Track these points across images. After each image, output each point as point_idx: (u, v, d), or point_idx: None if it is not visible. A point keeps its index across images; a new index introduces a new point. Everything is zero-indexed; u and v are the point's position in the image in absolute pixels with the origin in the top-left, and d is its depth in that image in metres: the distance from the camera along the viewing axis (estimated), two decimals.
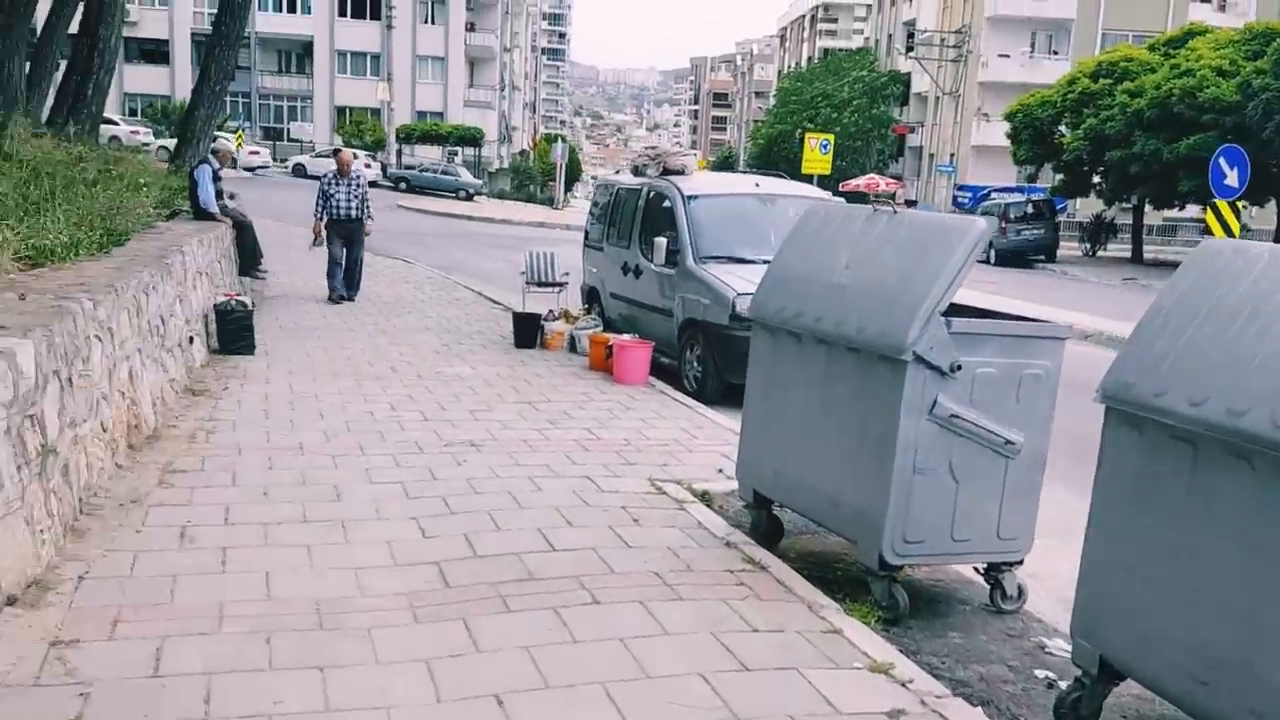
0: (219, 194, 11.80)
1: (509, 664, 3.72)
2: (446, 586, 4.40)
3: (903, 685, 3.80)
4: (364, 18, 59.47)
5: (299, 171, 45.71)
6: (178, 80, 56.31)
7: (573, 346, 10.90)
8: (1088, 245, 38.13)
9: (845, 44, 76.07)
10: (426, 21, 60.96)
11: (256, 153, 47.18)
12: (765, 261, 9.71)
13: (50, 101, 14.85)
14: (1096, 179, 35.28)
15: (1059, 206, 38.84)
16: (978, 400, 4.59)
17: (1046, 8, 51.07)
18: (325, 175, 13.70)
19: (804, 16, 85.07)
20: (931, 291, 4.47)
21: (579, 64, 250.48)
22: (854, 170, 54.39)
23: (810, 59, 79.20)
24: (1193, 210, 35.60)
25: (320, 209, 13.15)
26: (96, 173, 10.63)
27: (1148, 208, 35.49)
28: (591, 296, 12.36)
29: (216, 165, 12.00)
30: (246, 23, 16.82)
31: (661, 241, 9.96)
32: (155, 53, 58.97)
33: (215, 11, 16.10)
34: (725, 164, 79.69)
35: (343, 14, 60.40)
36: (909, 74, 60.10)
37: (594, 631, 4.03)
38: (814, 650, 4.05)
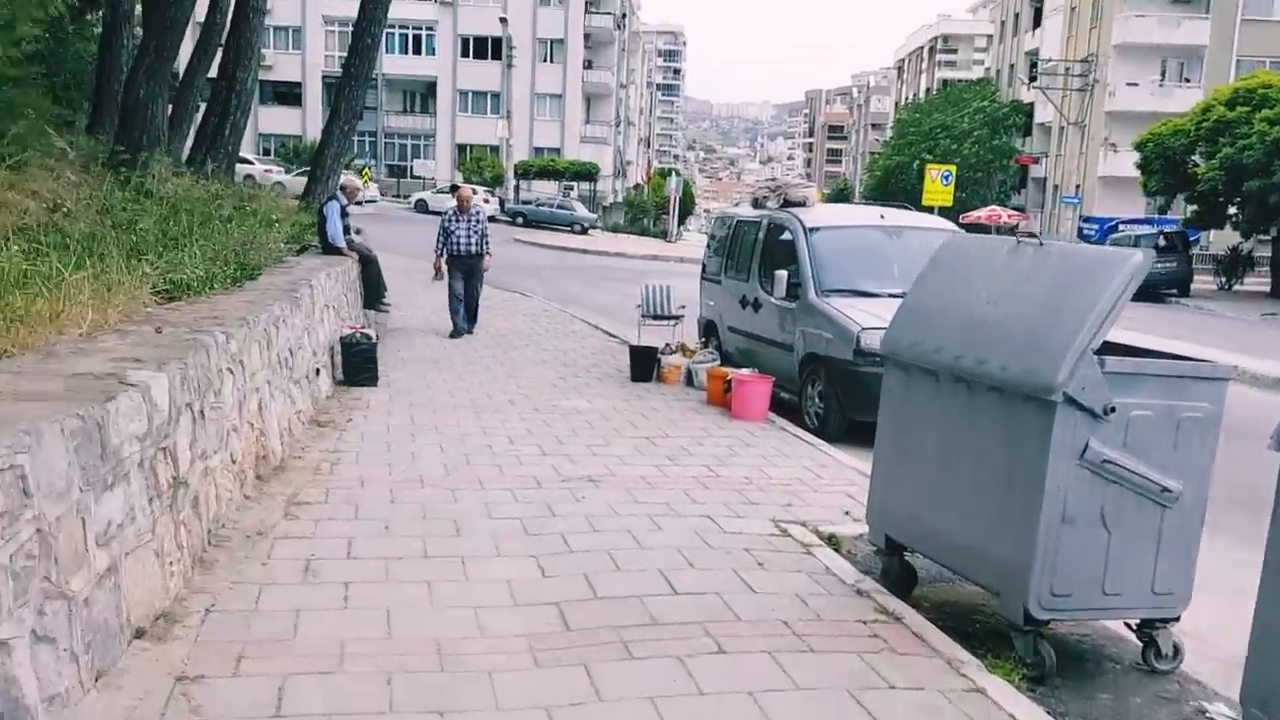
0: (346, 229, 12.09)
1: (632, 716, 3.56)
2: (567, 629, 4.27)
3: None
4: (485, 58, 61.06)
5: (420, 207, 46.97)
6: (309, 120, 58.70)
7: (690, 380, 10.76)
8: (1223, 279, 36.32)
9: (965, 75, 74.67)
10: (545, 60, 62.27)
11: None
12: (891, 295, 9.53)
13: (190, 141, 15.49)
14: (1233, 210, 33.65)
15: (1192, 238, 37.16)
16: (1132, 444, 4.27)
17: (1177, 34, 49.24)
18: (446, 212, 13.96)
19: (922, 48, 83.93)
20: (1084, 328, 4.19)
21: (693, 99, 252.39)
22: (974, 202, 53.12)
23: (929, 90, 78.00)
24: None
25: (441, 245, 13.45)
26: (232, 209, 10.99)
27: None
28: (709, 330, 12.22)
29: (344, 201, 12.31)
30: (374, 65, 17.32)
31: (782, 274, 9.77)
32: (288, 95, 61.66)
33: (345, 55, 16.63)
34: (840, 196, 78.88)
35: (465, 55, 62.18)
36: (1031, 104, 58.61)
37: (721, 683, 3.84)
38: (956, 711, 3.78)
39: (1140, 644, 4.64)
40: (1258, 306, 28.67)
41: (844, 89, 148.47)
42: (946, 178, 29.02)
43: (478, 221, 13.55)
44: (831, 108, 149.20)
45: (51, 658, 3.06)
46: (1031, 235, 4.76)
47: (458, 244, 13.37)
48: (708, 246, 13.04)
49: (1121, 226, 40.16)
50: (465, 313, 13.72)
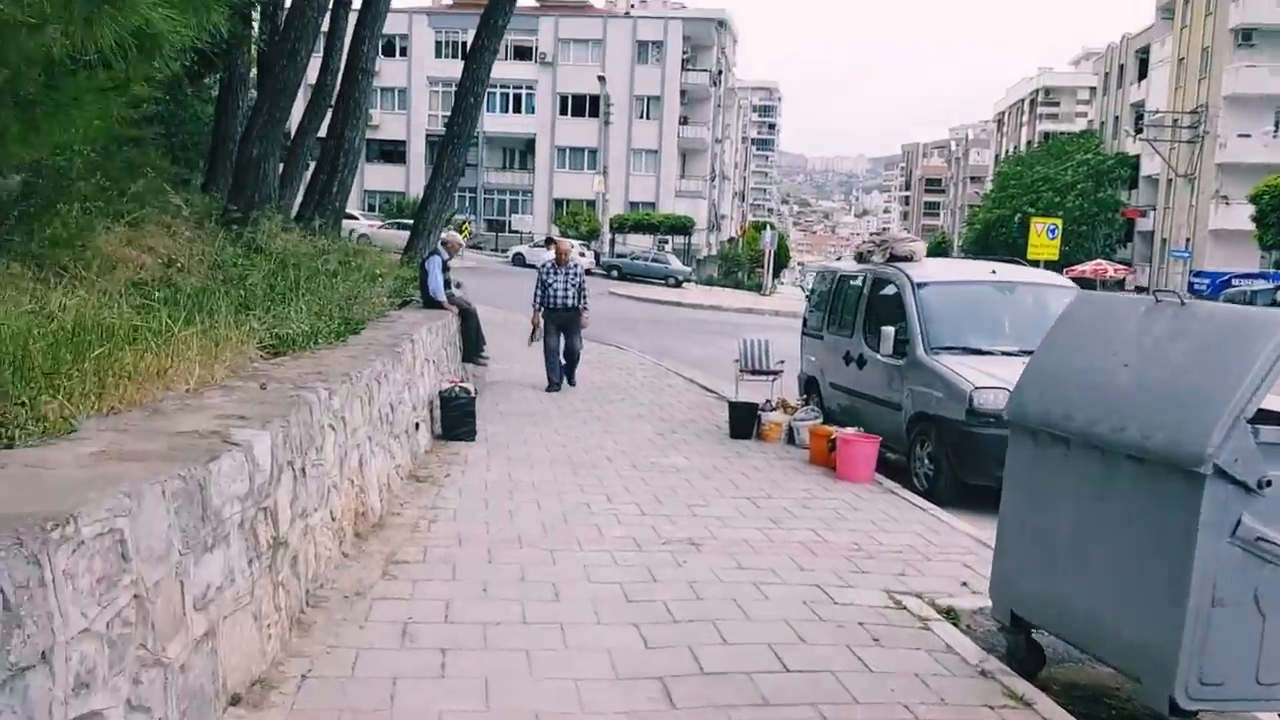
0: (447, 283, 12.19)
1: None
2: (673, 707, 4.04)
3: None
4: (583, 115, 62.12)
5: (518, 260, 47.63)
6: (412, 177, 60.34)
7: (791, 438, 10.47)
8: None
9: (1067, 127, 73.20)
10: (642, 117, 63.07)
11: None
12: (1004, 353, 9.17)
13: (300, 198, 15.92)
14: None
15: None
16: None
17: None
18: (544, 265, 13.94)
19: (1023, 101, 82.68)
20: (1235, 394, 3.86)
21: (787, 153, 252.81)
22: (1079, 256, 51.71)
23: (1030, 143, 76.63)
24: None
25: (538, 298, 13.37)
26: (337, 264, 11.18)
27: None
28: (810, 386, 11.93)
29: (446, 256, 12.43)
30: (476, 124, 17.62)
31: (889, 330, 9.47)
32: (393, 152, 63.60)
33: (448, 114, 16.95)
34: (938, 249, 77.61)
35: (563, 112, 63.38)
36: (1137, 156, 57.07)
37: None
38: None
39: None
40: None
41: (941, 142, 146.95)
42: (1053, 231, 28.26)
43: (575, 275, 13.47)
44: (928, 161, 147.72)
45: None
46: (1172, 294, 4.44)
47: (554, 297, 13.31)
48: (809, 301, 12.79)
49: (1235, 281, 38.54)
50: (564, 368, 13.61)
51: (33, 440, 3.48)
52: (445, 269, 12.18)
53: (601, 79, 54.93)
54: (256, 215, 11.73)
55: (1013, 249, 43.59)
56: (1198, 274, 45.92)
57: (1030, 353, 8.87)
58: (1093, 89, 71.54)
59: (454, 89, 17.75)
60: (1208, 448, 3.81)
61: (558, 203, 63.12)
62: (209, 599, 3.47)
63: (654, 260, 48.57)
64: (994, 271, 10.27)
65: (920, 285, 9.70)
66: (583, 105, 62.25)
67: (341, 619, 4.71)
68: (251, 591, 3.84)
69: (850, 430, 9.35)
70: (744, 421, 10.75)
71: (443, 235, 13.55)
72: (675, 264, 48.81)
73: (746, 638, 4.84)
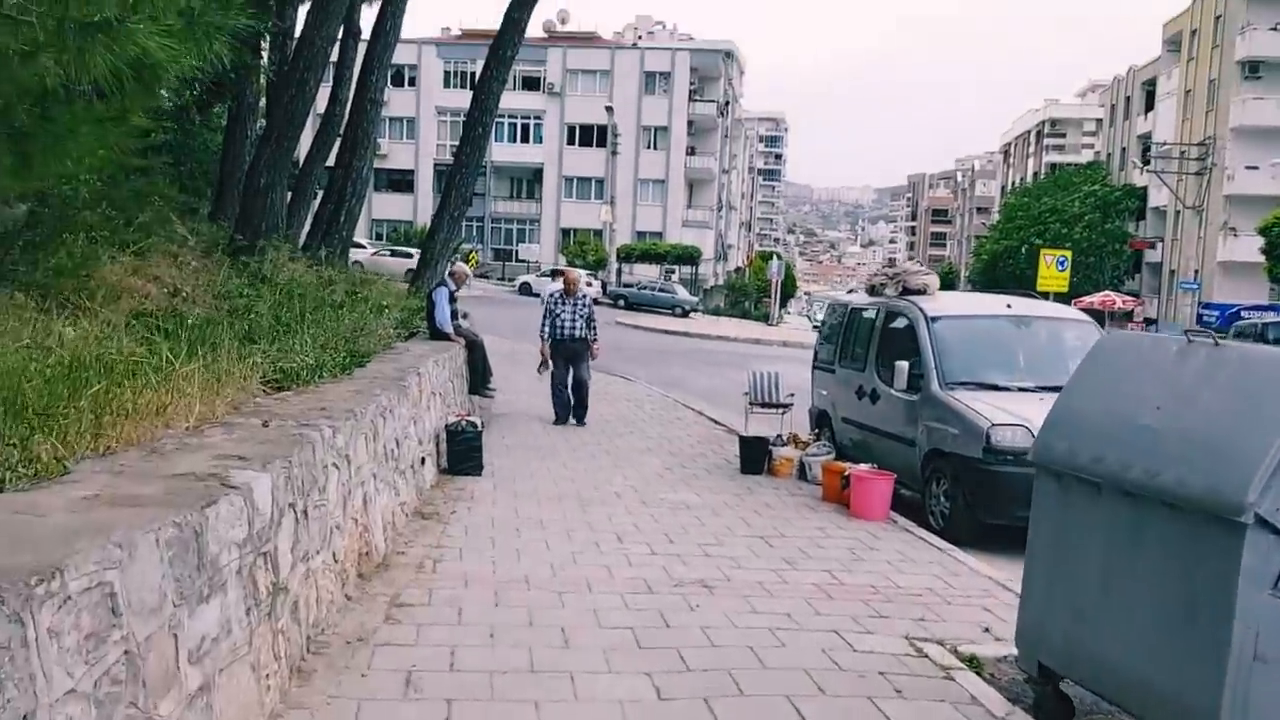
0: (454, 314, 12.07)
1: None
2: None
3: None
4: (590, 145, 62.38)
5: (524, 290, 47.64)
6: (420, 206, 60.51)
7: (802, 474, 10.30)
8: None
9: (1074, 159, 73.28)
10: (649, 147, 63.29)
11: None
12: (1020, 389, 9.01)
13: (307, 227, 15.85)
14: None
15: None
16: None
17: None
18: (552, 295, 13.78)
19: (1029, 132, 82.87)
20: (1276, 441, 3.69)
21: (793, 183, 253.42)
22: (1086, 287, 51.52)
23: (1036, 174, 76.71)
24: None
25: (545, 329, 13.18)
26: (344, 295, 11.07)
27: None
28: (821, 420, 11.77)
29: (453, 287, 12.31)
30: (484, 153, 17.58)
31: (903, 365, 9.31)
32: (401, 182, 63.83)
33: (457, 144, 16.92)
34: (946, 280, 77.42)
35: (571, 142, 63.63)
36: (1145, 188, 57.05)
37: None
38: None
39: None
40: None
41: (947, 173, 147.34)
42: (1063, 263, 28.15)
43: (584, 306, 13.22)
44: (934, 191, 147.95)
45: None
46: (1205, 334, 4.29)
47: (562, 328, 13.05)
48: (820, 334, 12.66)
49: (1245, 313, 38.33)
50: (573, 401, 13.21)
51: (23, 484, 3.34)
52: (452, 300, 12.07)
53: (609, 109, 55.15)
54: (263, 245, 11.65)
55: (1020, 280, 43.47)
56: (1206, 306, 45.76)
57: (1048, 389, 8.87)
58: (1099, 121, 71.68)
59: (462, 119, 17.74)
60: (1248, 496, 3.64)
61: (565, 232, 63.24)
62: (204, 651, 3.31)
63: (661, 290, 48.57)
64: (1009, 305, 10.12)
65: (934, 319, 9.55)
66: (590, 135, 62.50)
67: (344, 667, 4.54)
68: (249, 641, 3.68)
69: (864, 467, 9.17)
70: (755, 456, 10.58)
71: (451, 267, 13.42)
72: (682, 294, 48.79)
73: (764, 688, 4.65)
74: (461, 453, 9.53)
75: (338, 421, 5.21)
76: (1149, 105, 59.44)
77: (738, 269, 77.81)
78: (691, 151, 64.74)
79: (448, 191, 15.91)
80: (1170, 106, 55.48)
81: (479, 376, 12.60)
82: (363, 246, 39.77)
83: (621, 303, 46.74)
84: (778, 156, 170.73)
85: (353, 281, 13.06)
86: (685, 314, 46.15)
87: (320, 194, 16.33)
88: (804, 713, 4.40)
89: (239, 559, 3.60)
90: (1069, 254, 30.45)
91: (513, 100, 55.31)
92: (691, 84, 64.04)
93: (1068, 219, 56.85)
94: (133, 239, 8.68)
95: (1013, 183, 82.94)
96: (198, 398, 4.77)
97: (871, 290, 11.04)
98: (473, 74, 49.97)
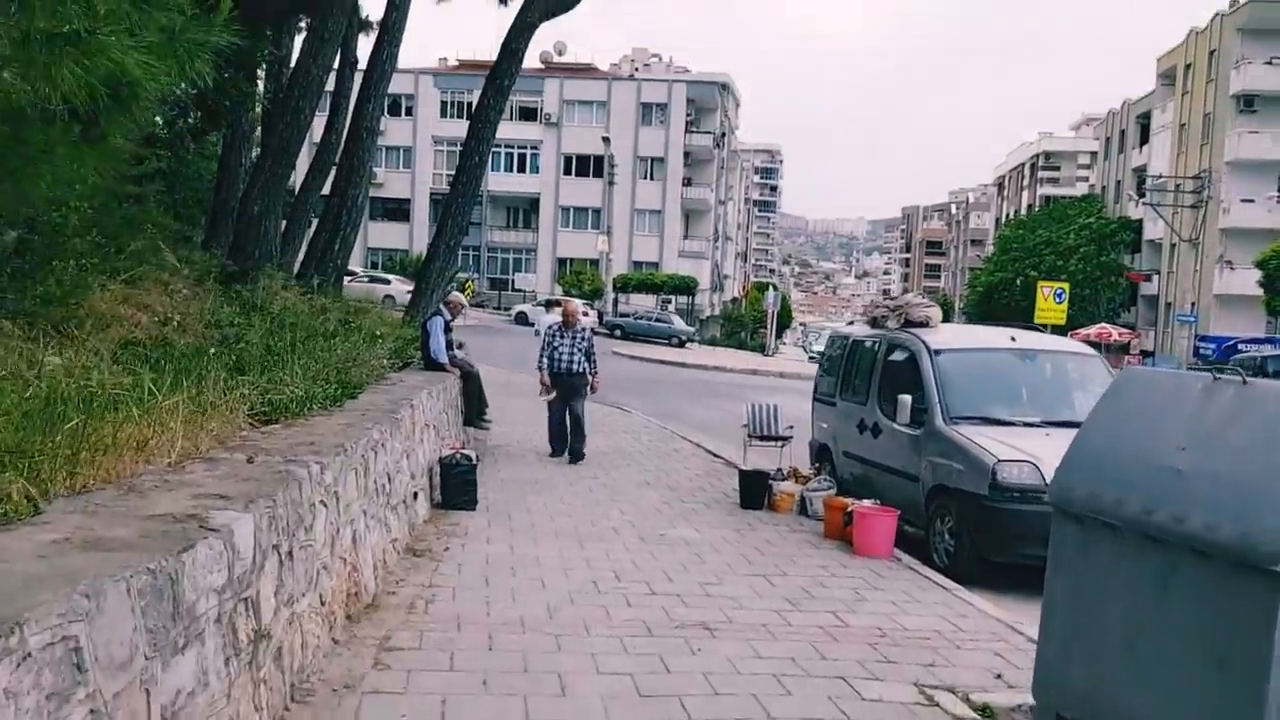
0: (449, 344, 11.88)
1: None
2: None
3: None
4: (587, 175, 62.52)
5: (520, 319, 47.52)
6: (416, 235, 60.49)
7: (803, 509, 10.09)
8: None
9: (1068, 191, 73.54)
10: (646, 178, 63.43)
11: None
12: (1026, 424, 8.84)
13: (302, 255, 15.70)
14: None
15: None
16: None
17: None
18: (551, 326, 13.53)
19: (1023, 165, 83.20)
20: None
21: (788, 214, 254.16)
22: (1082, 319, 51.51)
23: (1030, 206, 76.93)
24: None
25: (544, 361, 12.84)
26: (337, 324, 10.89)
27: None
28: (821, 454, 11.57)
29: (448, 316, 12.12)
30: (481, 183, 17.48)
31: (906, 399, 9.14)
32: (397, 210, 63.83)
33: (453, 173, 16.83)
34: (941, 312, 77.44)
35: (568, 172, 63.75)
36: (1140, 220, 57.19)
37: None
38: None
39: None
40: None
41: (941, 205, 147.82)
42: (1060, 295, 28.06)
43: (583, 339, 12.79)
44: (928, 224, 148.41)
45: None
46: (1234, 371, 4.12)
47: (559, 361, 12.64)
48: (820, 366, 12.49)
49: (1242, 346, 38.27)
50: (571, 436, 12.71)
51: None
52: (448, 329, 11.88)
53: (606, 140, 55.30)
54: (256, 273, 11.49)
55: (1015, 312, 43.40)
56: (1203, 339, 45.70)
57: (1054, 424, 8.70)
58: (1093, 154, 71.98)
59: (459, 148, 17.66)
60: None
61: (561, 262, 63.21)
62: (179, 707, 3.10)
63: (658, 320, 48.47)
64: (1013, 338, 9.97)
65: (938, 352, 9.40)
66: (587, 165, 62.66)
67: (329, 718, 4.32)
68: (228, 694, 3.47)
69: (867, 503, 8.97)
70: (755, 491, 10.37)
71: (448, 297, 13.25)
72: (679, 324, 48.69)
73: None
74: (456, 487, 9.31)
75: (326, 457, 5.01)
76: (1144, 138, 59.73)
77: (734, 299, 77.79)
78: (688, 182, 64.89)
79: (444, 220, 15.79)
80: (1165, 140, 55.74)
81: (474, 408, 12.39)
82: (355, 273, 39.70)
83: (618, 332, 46.61)
84: (773, 188, 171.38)
85: (346, 310, 12.90)
86: (682, 344, 46.01)
87: (316, 222, 16.20)
88: None
89: (218, 606, 3.40)
90: (1066, 286, 30.34)
91: (510, 130, 55.38)
92: (688, 115, 64.29)
93: (1063, 251, 56.96)
94: (124, 267, 8.51)
95: (1007, 215, 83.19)
96: (180, 432, 4.58)
97: (873, 322, 10.88)
98: (470, 104, 50.09)
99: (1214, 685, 3.72)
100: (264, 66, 15.18)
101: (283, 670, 4.21)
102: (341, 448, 5.38)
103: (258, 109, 15.11)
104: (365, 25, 17.36)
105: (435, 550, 7.64)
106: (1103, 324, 50.69)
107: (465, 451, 9.83)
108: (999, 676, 5.60)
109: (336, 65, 14.86)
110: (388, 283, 42.68)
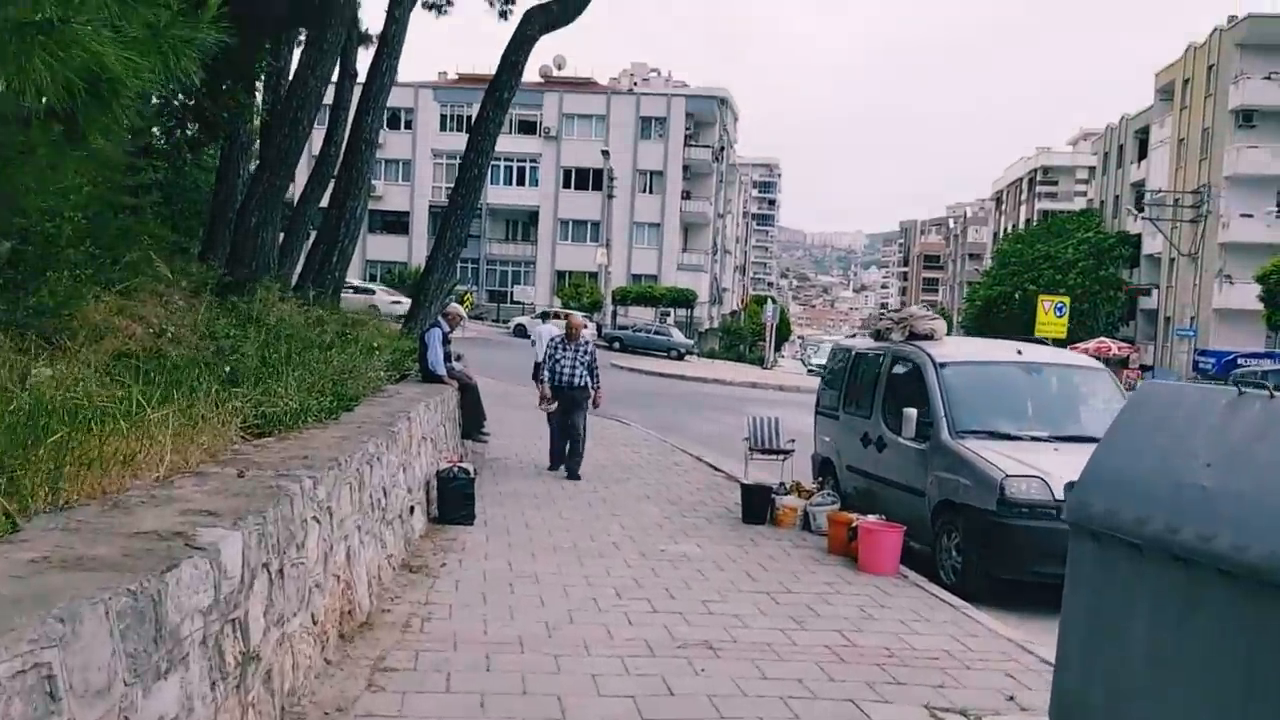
0: (447, 356, 11.75)
1: None
2: None
3: None
4: (586, 189, 62.55)
5: (519, 332, 47.36)
6: (414, 248, 60.40)
7: (807, 524, 9.94)
8: None
9: (1066, 206, 73.57)
10: (645, 191, 63.46)
11: (399, 302, 44.00)
12: (1033, 438, 8.70)
13: (299, 267, 15.57)
14: None
15: None
16: None
17: None
18: (554, 339, 13.38)
19: (1022, 180, 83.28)
20: None
21: (786, 228, 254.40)
22: (1081, 334, 51.41)
23: (1029, 221, 76.97)
24: None
25: (545, 374, 12.65)
26: (334, 336, 10.75)
27: None
28: (824, 468, 11.43)
29: (447, 328, 12.00)
30: (480, 196, 17.36)
31: (911, 413, 9.00)
32: (396, 223, 63.77)
33: (452, 186, 16.72)
34: None
35: (567, 186, 63.78)
36: (1139, 235, 57.19)
37: None
38: None
39: None
40: None
41: (939, 219, 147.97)
42: (1060, 309, 27.93)
43: (585, 352, 12.58)
44: (926, 238, 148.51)
45: None
46: (1260, 385, 3.98)
47: (560, 374, 12.43)
48: (823, 379, 12.36)
49: (1242, 361, 38.17)
50: (568, 451, 12.48)
51: None
52: (446, 341, 11.75)
53: (605, 153, 55.25)
54: (253, 284, 11.35)
55: (1014, 326, 43.33)
56: (1202, 353, 45.63)
57: (1062, 438, 8.57)
58: (1091, 169, 72.06)
59: (458, 161, 17.55)
60: None
61: (560, 274, 63.15)
62: None
63: (656, 333, 48.38)
64: (1020, 351, 9.84)
65: (943, 365, 9.26)
66: (586, 179, 62.68)
67: None
68: (215, 719, 3.31)
69: (872, 518, 8.82)
70: (757, 505, 10.22)
71: (447, 308, 13.13)
72: (678, 336, 48.59)
73: None
74: (454, 501, 9.16)
75: (319, 471, 4.87)
76: (1142, 153, 59.79)
77: (733, 312, 77.75)
78: (687, 196, 64.93)
79: (443, 233, 15.68)
80: (1164, 155, 55.80)
81: (472, 421, 12.24)
82: (351, 285, 39.49)
83: (617, 345, 46.49)
84: (771, 202, 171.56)
85: (343, 322, 12.75)
86: (680, 357, 45.90)
87: (314, 234, 16.08)
88: None
89: (203, 628, 3.25)
90: (1067, 300, 30.22)
91: (509, 143, 55.42)
92: (687, 129, 64.37)
93: (1061, 265, 56.96)
94: (118, 278, 8.38)
95: (1005, 229, 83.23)
96: (170, 445, 4.43)
97: (877, 335, 10.76)
98: (469, 117, 50.10)
99: (1242, 709, 3.57)
100: (262, 78, 15.09)
101: (272, 693, 4.05)
102: (336, 461, 5.24)
103: (256, 120, 15.01)
104: (365, 38, 17.29)
105: (432, 566, 7.49)
106: (1101, 338, 50.57)
107: (463, 465, 9.70)
108: (1011, 698, 5.45)
109: (335, 77, 14.77)
110: (372, 293, 42.60)
